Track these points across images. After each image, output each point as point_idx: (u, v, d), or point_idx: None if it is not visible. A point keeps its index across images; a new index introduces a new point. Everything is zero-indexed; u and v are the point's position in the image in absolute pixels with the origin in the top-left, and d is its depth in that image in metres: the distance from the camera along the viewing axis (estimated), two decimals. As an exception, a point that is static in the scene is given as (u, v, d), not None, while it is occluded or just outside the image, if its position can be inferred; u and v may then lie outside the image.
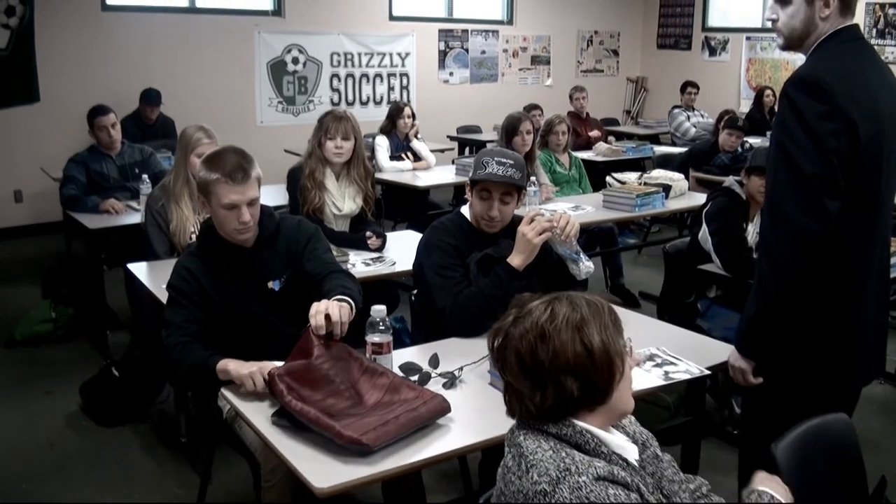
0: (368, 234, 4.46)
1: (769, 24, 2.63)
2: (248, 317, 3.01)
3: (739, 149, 7.47)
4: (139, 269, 4.11)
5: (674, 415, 3.86)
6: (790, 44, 2.53)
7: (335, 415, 2.32)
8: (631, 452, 1.76)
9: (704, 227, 4.46)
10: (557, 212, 3.26)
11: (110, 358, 4.95)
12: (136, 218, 5.23)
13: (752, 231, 4.45)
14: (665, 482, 1.89)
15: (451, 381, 2.69)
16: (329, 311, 2.62)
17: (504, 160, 3.21)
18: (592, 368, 1.68)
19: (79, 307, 5.69)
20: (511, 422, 1.81)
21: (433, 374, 2.72)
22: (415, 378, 2.66)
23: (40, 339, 5.52)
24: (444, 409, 2.42)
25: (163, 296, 3.60)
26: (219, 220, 2.98)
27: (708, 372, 2.79)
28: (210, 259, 3.03)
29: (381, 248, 4.41)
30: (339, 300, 2.76)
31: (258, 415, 2.48)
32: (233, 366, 2.69)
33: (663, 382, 2.70)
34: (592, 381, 1.69)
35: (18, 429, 4.40)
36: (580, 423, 1.71)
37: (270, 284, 3.07)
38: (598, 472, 1.61)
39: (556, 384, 1.69)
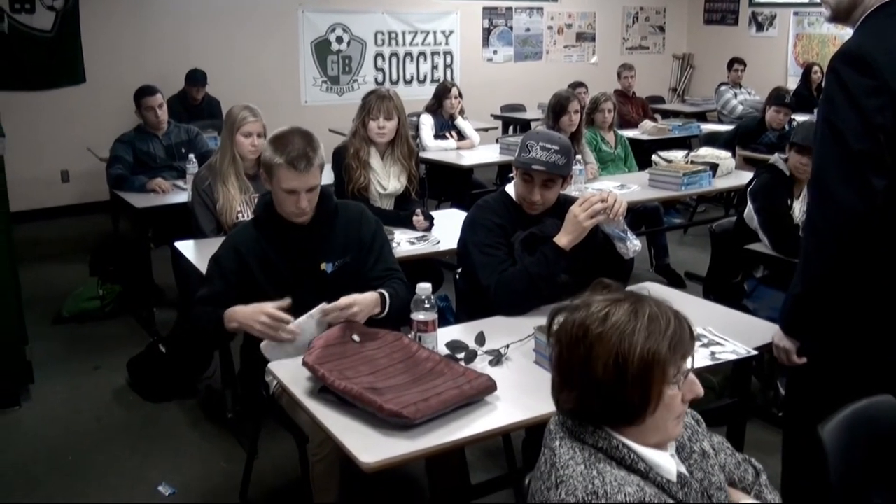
0: (417, 212, 4.45)
1: (817, -2, 2.58)
2: (292, 296, 3.02)
3: (787, 126, 7.34)
4: (186, 247, 4.15)
5: (719, 395, 3.84)
6: (837, 16, 2.49)
7: (378, 391, 2.34)
8: (670, 470, 1.65)
9: (750, 205, 4.42)
10: (604, 191, 3.23)
11: (157, 334, 5.01)
12: (182, 197, 5.28)
13: (799, 208, 4.39)
14: (713, 489, 1.76)
15: (497, 358, 2.69)
16: (353, 312, 2.78)
17: (549, 145, 3.16)
18: (621, 391, 1.57)
19: (126, 285, 5.77)
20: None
21: (479, 352, 2.72)
22: (461, 356, 2.67)
23: (88, 315, 5.61)
24: (490, 387, 2.42)
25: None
26: (278, 198, 3.03)
27: (755, 352, 2.77)
28: (266, 232, 3.08)
29: (428, 230, 4.40)
30: (378, 293, 2.92)
31: (305, 391, 2.50)
32: (240, 312, 2.85)
33: (710, 363, 2.68)
34: (617, 404, 1.59)
35: (66, 403, 4.48)
36: (617, 437, 1.62)
37: (323, 266, 3.09)
38: (626, 497, 1.54)
39: (581, 393, 1.61)
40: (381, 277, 3.13)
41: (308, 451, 2.84)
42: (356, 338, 2.66)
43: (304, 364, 2.49)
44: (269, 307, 2.75)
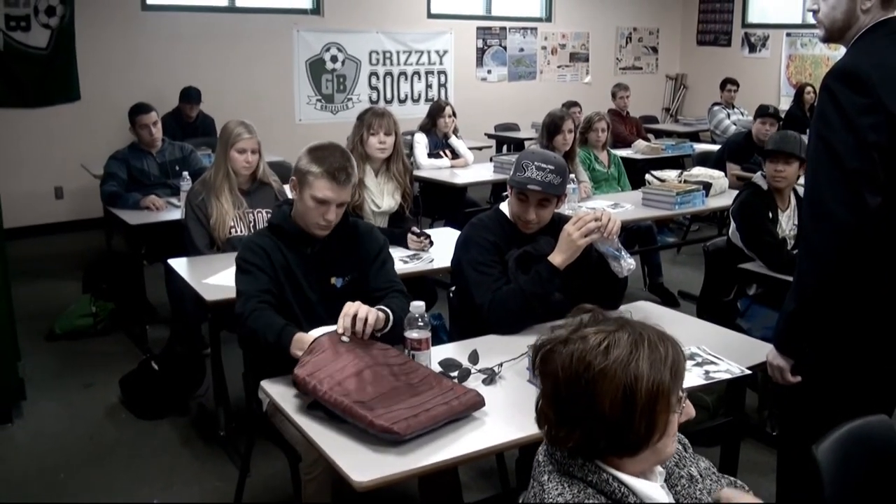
0: (414, 230, 4.44)
1: (810, 17, 2.60)
2: (304, 306, 3.02)
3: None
4: (179, 264, 4.14)
5: (713, 415, 3.83)
6: (831, 35, 2.50)
7: (367, 405, 2.33)
8: (660, 500, 1.64)
9: (733, 224, 4.46)
10: (597, 209, 3.24)
11: (150, 352, 4.99)
12: (176, 214, 5.27)
13: (787, 221, 4.42)
14: None
15: (490, 377, 2.68)
16: (358, 312, 2.66)
17: (545, 165, 3.16)
18: (628, 425, 1.53)
19: (119, 302, 5.75)
20: None
21: (473, 371, 2.71)
22: (454, 374, 2.66)
23: (80, 332, 5.58)
24: (478, 403, 2.42)
25: (203, 291, 3.65)
26: (303, 208, 3.02)
27: (748, 372, 2.77)
28: (283, 240, 3.07)
29: (425, 249, 4.36)
30: (378, 308, 2.80)
31: (298, 409, 2.50)
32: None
33: (704, 382, 2.67)
34: (625, 437, 1.55)
35: (59, 420, 4.45)
36: (607, 470, 1.59)
37: (333, 280, 3.10)
38: None
39: (584, 430, 1.56)
40: (382, 289, 3.11)
41: (300, 469, 2.82)
42: (345, 338, 2.64)
43: (294, 377, 2.47)
44: None
